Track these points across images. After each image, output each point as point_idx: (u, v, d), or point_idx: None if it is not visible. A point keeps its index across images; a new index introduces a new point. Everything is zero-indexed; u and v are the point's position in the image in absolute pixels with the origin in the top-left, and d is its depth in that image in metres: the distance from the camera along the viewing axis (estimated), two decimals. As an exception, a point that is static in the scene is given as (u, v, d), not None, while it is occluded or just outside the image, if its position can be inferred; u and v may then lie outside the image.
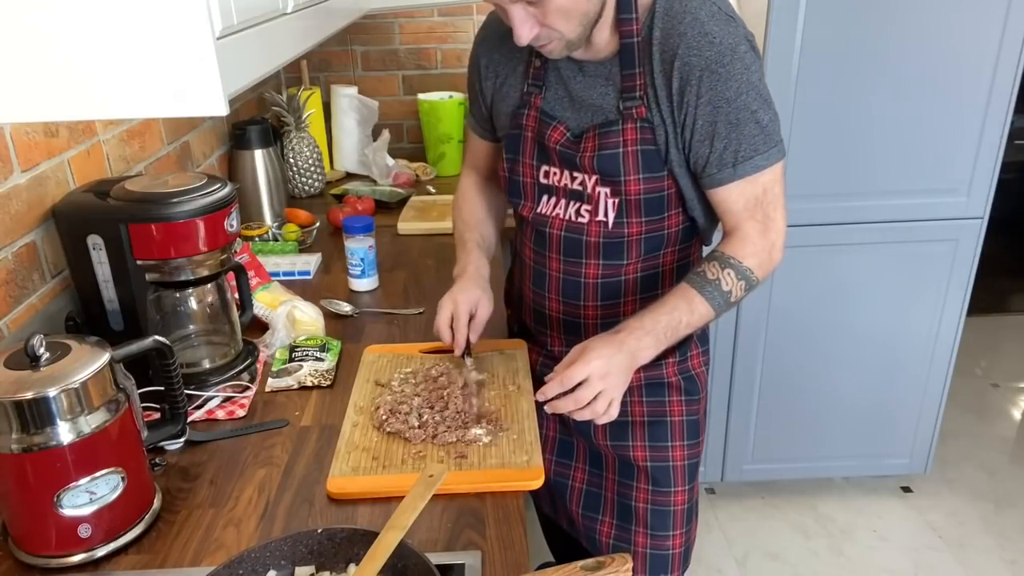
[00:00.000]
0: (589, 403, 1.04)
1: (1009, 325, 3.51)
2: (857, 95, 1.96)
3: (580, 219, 1.21)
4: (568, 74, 1.17)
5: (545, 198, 1.24)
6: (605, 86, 1.14)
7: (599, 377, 1.03)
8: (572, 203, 1.21)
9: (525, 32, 1.03)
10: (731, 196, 1.13)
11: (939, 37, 1.90)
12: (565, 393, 1.05)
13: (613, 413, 1.06)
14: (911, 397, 2.31)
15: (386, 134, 2.43)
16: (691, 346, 1.32)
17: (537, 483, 1.05)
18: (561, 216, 1.23)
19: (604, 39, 1.12)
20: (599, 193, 1.17)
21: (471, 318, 1.25)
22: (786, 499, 2.47)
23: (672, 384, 1.31)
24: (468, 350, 1.27)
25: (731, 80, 1.05)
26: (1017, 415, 2.91)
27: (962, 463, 2.62)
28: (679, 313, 1.10)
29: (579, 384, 1.04)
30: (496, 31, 1.25)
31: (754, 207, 1.13)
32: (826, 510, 2.42)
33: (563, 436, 1.39)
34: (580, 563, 0.81)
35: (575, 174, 1.19)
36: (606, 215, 1.18)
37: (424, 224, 2.03)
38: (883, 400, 2.31)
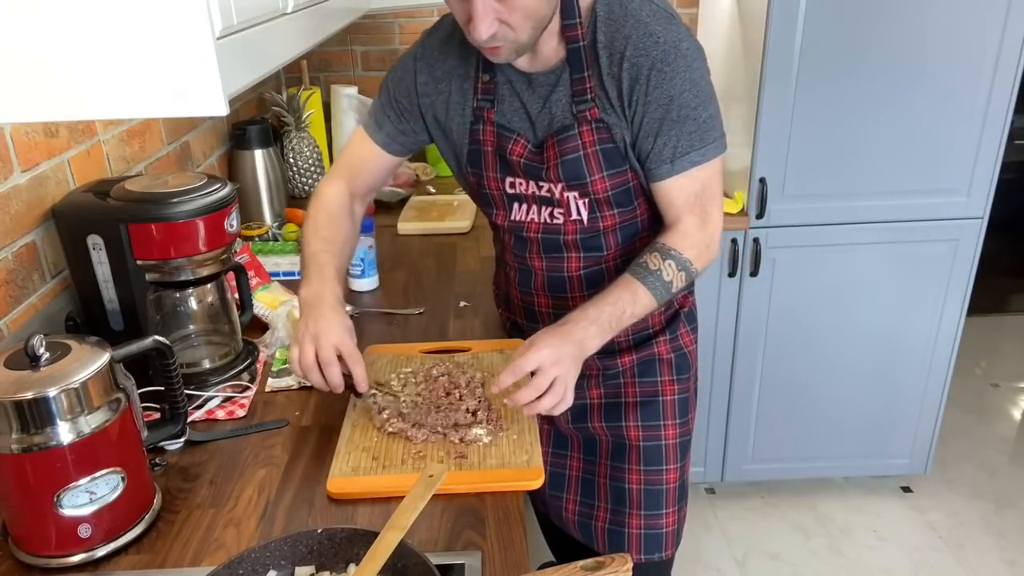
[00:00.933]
0: (547, 391, 1.04)
1: (1009, 325, 3.51)
2: (857, 95, 1.96)
3: (555, 220, 1.23)
4: (520, 87, 1.18)
5: (516, 205, 1.25)
6: (556, 93, 1.15)
7: (551, 363, 1.04)
8: (544, 208, 1.23)
9: (486, 26, 1.01)
10: (671, 191, 1.16)
11: (939, 37, 1.90)
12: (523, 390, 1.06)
13: (569, 400, 1.07)
14: (911, 397, 2.31)
15: (386, 134, 2.43)
16: (679, 324, 1.35)
17: (537, 483, 1.05)
18: (536, 220, 1.25)
19: (551, 48, 1.13)
20: (567, 197, 1.20)
21: (340, 356, 1.12)
22: (786, 499, 2.47)
23: (664, 361, 1.34)
24: (355, 390, 1.14)
25: (675, 78, 1.09)
26: (1017, 415, 2.91)
27: (962, 463, 2.62)
28: (622, 304, 1.13)
29: (534, 376, 1.05)
30: (436, 48, 1.23)
31: (693, 202, 1.16)
32: (826, 510, 2.42)
33: (557, 428, 1.41)
34: (580, 563, 0.82)
35: (541, 183, 1.20)
36: (579, 214, 1.21)
37: (424, 224, 2.03)
38: (883, 400, 2.31)
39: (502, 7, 1.01)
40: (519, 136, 1.19)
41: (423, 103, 1.25)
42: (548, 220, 1.23)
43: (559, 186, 1.19)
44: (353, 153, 1.33)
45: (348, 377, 1.12)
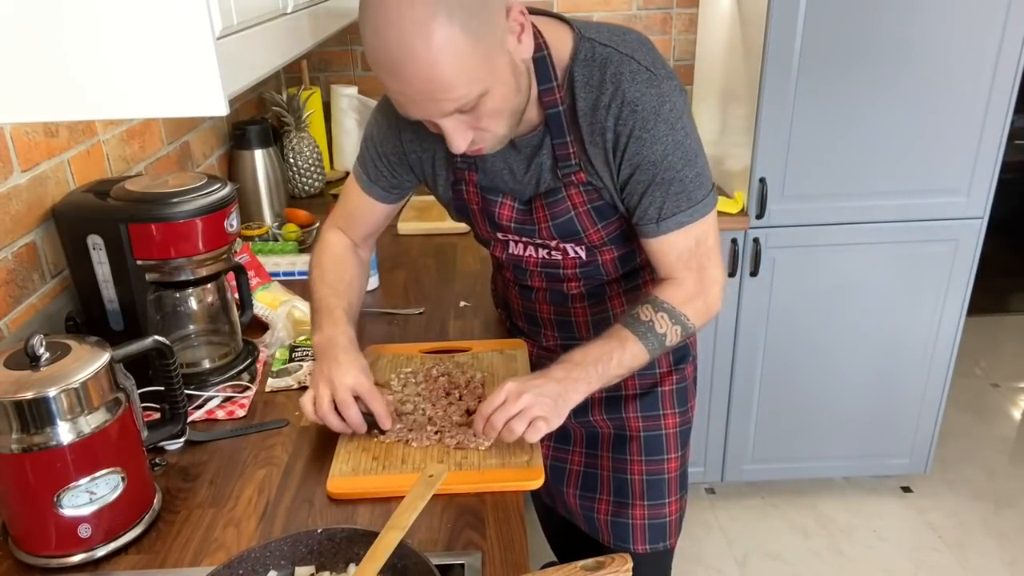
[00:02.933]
0: (514, 418, 1.03)
1: (1009, 325, 3.51)
2: (857, 95, 1.96)
3: (554, 257, 1.23)
4: (503, 150, 1.13)
5: (512, 244, 1.25)
6: (540, 156, 1.12)
7: (513, 396, 1.03)
8: (540, 249, 1.23)
9: (460, 140, 0.98)
10: (662, 248, 1.13)
11: (939, 37, 1.90)
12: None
13: (532, 436, 1.03)
14: (911, 397, 2.31)
15: (386, 134, 2.43)
16: None
17: (537, 483, 1.05)
18: (535, 256, 1.24)
19: (531, 115, 1.09)
20: (564, 247, 1.20)
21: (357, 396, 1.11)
22: (786, 499, 2.47)
23: (662, 354, 1.32)
24: (377, 425, 1.12)
25: (656, 144, 1.05)
26: (1017, 415, 2.91)
27: (962, 463, 2.62)
28: (610, 348, 1.11)
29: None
30: None
31: (688, 258, 1.14)
32: (826, 510, 2.42)
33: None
34: (580, 563, 0.82)
35: (535, 239, 1.20)
36: (577, 254, 1.21)
37: (424, 224, 2.03)
38: (883, 400, 2.31)
39: (470, 117, 0.97)
40: (504, 197, 1.17)
41: (411, 159, 1.22)
42: (547, 257, 1.24)
43: (554, 241, 1.19)
44: (351, 203, 1.31)
45: (369, 415, 1.11)
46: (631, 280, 1.30)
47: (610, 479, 1.37)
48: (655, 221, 1.10)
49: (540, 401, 1.03)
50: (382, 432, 1.13)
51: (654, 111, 1.04)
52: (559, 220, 1.15)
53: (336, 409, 1.09)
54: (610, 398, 1.36)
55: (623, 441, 1.35)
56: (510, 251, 1.26)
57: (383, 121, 1.21)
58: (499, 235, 1.24)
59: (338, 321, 1.17)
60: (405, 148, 1.20)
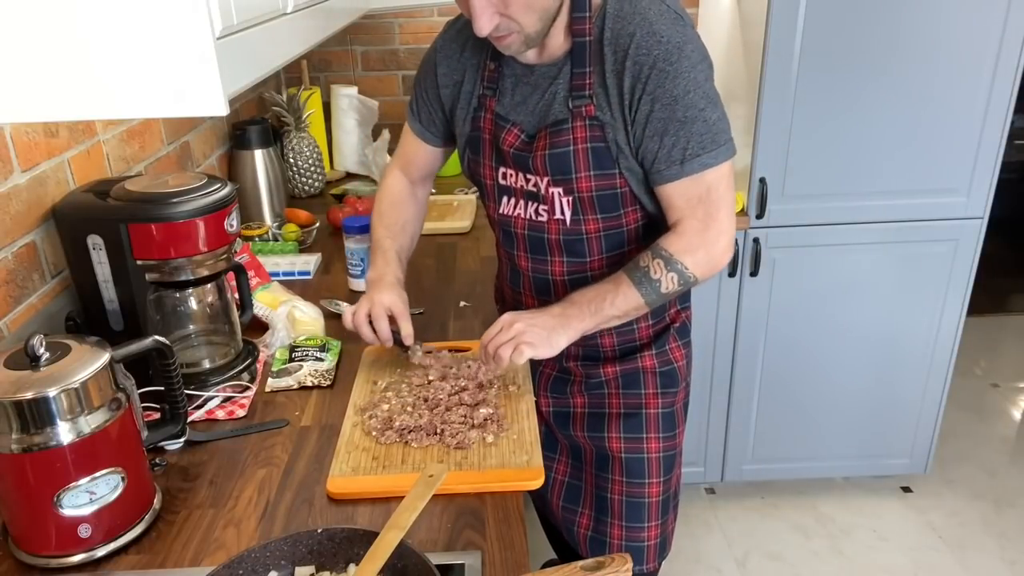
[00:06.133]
0: (504, 344, 1.13)
1: (1009, 325, 3.51)
2: (857, 95, 1.96)
3: (540, 218, 1.25)
4: (523, 79, 1.19)
5: (505, 199, 1.27)
6: (555, 85, 1.16)
7: (507, 325, 1.14)
8: (530, 203, 1.24)
9: (485, 21, 1.04)
10: (676, 192, 1.15)
11: (939, 37, 1.90)
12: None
13: (517, 358, 1.11)
14: (911, 397, 2.31)
15: (386, 134, 2.43)
16: (668, 338, 1.34)
17: (537, 483, 1.05)
18: (522, 216, 1.26)
19: (558, 42, 1.14)
20: (552, 193, 1.20)
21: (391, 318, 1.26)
22: (786, 499, 2.47)
23: (649, 374, 1.33)
24: (402, 343, 1.28)
25: (679, 78, 1.08)
26: (1017, 415, 2.91)
27: (962, 463, 2.62)
28: (605, 290, 1.17)
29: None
30: (454, 39, 1.27)
31: (696, 205, 1.15)
32: (826, 510, 2.42)
33: (550, 430, 1.41)
34: (580, 563, 0.82)
35: (528, 176, 1.22)
36: (562, 213, 1.22)
37: (424, 224, 2.03)
38: (883, 400, 2.31)
39: (499, 2, 1.04)
40: (513, 126, 1.20)
41: (443, 93, 1.29)
42: (533, 216, 1.25)
43: (544, 180, 1.19)
44: (404, 144, 1.43)
45: (396, 334, 1.27)
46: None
47: (592, 494, 1.37)
48: (679, 163, 1.12)
49: (531, 330, 1.12)
50: (405, 349, 1.29)
51: (678, 47, 1.08)
52: (556, 151, 1.16)
53: (370, 323, 1.25)
54: (593, 415, 1.35)
55: (605, 460, 1.34)
56: (501, 210, 1.28)
57: (425, 59, 1.32)
58: (500, 173, 1.25)
59: (390, 261, 1.33)
60: (439, 83, 1.29)
